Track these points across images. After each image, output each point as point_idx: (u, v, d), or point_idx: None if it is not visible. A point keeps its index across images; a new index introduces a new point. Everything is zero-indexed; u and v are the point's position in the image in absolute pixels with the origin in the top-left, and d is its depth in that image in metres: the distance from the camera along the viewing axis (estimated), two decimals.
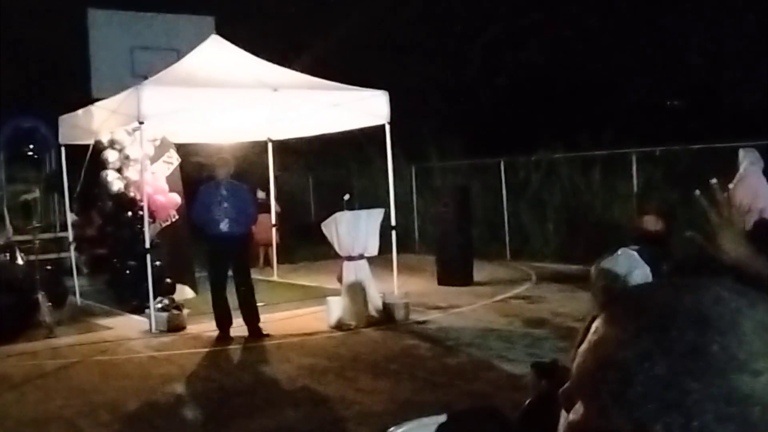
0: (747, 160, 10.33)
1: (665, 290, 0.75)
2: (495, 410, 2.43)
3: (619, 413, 0.68)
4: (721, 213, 1.93)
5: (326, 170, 20.07)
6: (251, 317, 9.21)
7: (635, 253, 2.88)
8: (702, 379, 0.65)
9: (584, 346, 0.77)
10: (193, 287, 11.92)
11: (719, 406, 0.65)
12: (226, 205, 9.03)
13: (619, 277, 2.71)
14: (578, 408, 0.74)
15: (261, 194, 15.08)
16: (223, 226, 8.99)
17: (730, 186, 10.29)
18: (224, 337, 9.07)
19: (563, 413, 0.78)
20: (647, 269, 2.81)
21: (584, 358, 0.75)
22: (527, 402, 2.57)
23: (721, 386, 0.65)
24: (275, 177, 14.63)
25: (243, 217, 9.27)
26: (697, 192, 1.98)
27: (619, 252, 2.89)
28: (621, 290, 0.85)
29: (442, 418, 2.19)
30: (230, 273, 9.30)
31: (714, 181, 1.95)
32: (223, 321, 9.13)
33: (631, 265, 2.78)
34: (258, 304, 9.47)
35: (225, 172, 9.19)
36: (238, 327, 9.20)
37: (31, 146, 16.44)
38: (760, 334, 0.68)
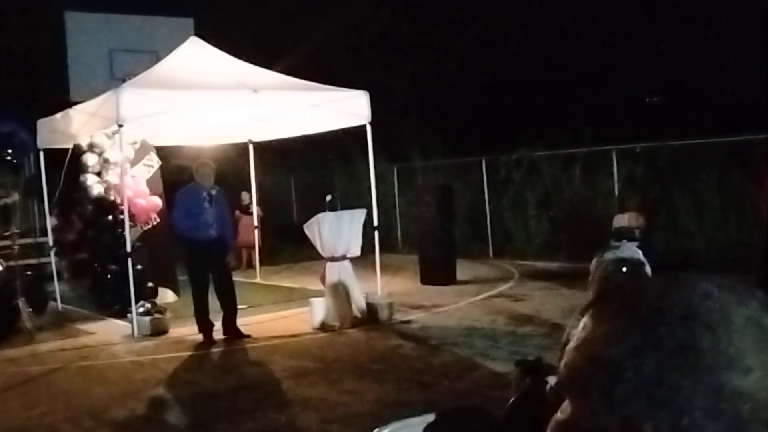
0: None
1: (654, 286, 0.75)
2: (481, 409, 2.43)
3: (608, 411, 0.67)
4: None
5: (308, 171, 20.04)
6: (231, 317, 9.17)
7: (639, 250, 2.86)
8: (691, 376, 0.64)
9: (572, 343, 0.76)
10: (176, 290, 11.84)
11: (709, 402, 0.64)
12: (211, 210, 8.98)
13: (627, 260, 2.69)
14: (566, 406, 0.73)
15: (246, 196, 15.05)
16: (212, 231, 8.94)
17: None
18: (208, 342, 9.01)
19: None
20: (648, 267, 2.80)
21: (573, 356, 0.74)
22: (512, 400, 2.57)
23: (710, 383, 0.64)
24: (256, 179, 14.59)
25: (225, 223, 9.32)
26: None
27: (626, 244, 2.88)
28: (610, 286, 0.84)
29: (429, 417, 2.19)
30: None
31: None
32: (206, 326, 9.08)
33: (636, 254, 2.77)
34: (240, 307, 9.45)
35: (209, 177, 9.14)
36: (220, 330, 9.15)
37: (9, 151, 16.28)
38: (750, 330, 0.67)
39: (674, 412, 0.64)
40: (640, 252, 2.77)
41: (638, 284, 0.78)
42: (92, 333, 9.99)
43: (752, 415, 0.64)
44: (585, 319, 0.76)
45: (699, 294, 0.70)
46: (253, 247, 14.65)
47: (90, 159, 11.30)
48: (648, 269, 2.70)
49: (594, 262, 2.74)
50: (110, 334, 9.80)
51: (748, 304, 0.69)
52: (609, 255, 2.72)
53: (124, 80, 10.59)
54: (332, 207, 10.06)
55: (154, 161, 11.91)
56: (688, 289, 0.71)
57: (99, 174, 11.32)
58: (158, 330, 9.52)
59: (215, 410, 6.61)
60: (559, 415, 0.74)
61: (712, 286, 0.71)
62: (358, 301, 9.75)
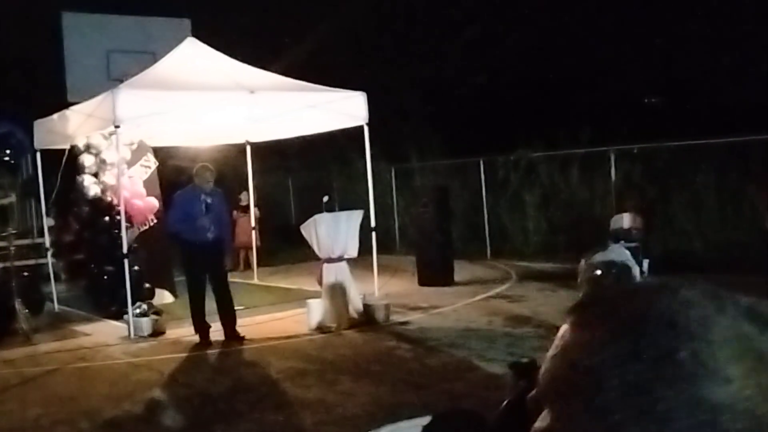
0: None
1: (636, 293, 0.73)
2: (475, 411, 2.41)
3: (589, 420, 0.66)
4: None
5: (306, 172, 20.03)
6: (229, 320, 9.16)
7: (627, 251, 2.86)
8: (673, 386, 0.63)
9: (552, 351, 0.74)
10: (172, 292, 11.83)
11: (690, 413, 0.62)
12: (209, 212, 8.96)
13: (615, 263, 2.68)
14: (545, 415, 0.72)
15: (244, 197, 15.03)
16: (210, 234, 8.92)
17: None
18: (205, 343, 9.00)
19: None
20: (637, 268, 2.79)
21: (552, 364, 0.73)
22: (505, 402, 2.55)
23: (691, 393, 0.63)
24: (254, 180, 14.58)
25: (223, 225, 9.32)
26: None
27: (613, 246, 2.88)
28: (592, 292, 0.82)
29: (424, 420, 2.17)
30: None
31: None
32: (203, 327, 9.07)
33: (624, 256, 2.76)
34: (237, 308, 9.44)
35: (208, 180, 9.11)
36: (217, 331, 9.13)
37: (7, 151, 16.25)
38: (731, 340, 0.65)
39: (656, 423, 0.63)
40: (629, 253, 2.77)
41: (620, 291, 0.76)
42: (89, 334, 9.97)
43: (732, 425, 0.62)
44: (564, 327, 0.75)
45: (680, 302, 0.68)
46: (251, 248, 14.64)
47: (87, 160, 11.28)
48: (636, 271, 2.69)
49: (582, 264, 2.74)
50: (107, 335, 9.78)
51: (728, 313, 0.68)
52: (596, 257, 2.71)
53: (121, 81, 10.57)
54: (330, 208, 10.04)
55: (151, 162, 11.90)
56: (668, 297, 0.69)
57: (96, 175, 11.30)
58: (154, 331, 9.50)
59: (212, 412, 6.60)
60: (538, 424, 0.73)
61: (693, 293, 0.69)
62: (355, 303, 9.73)
